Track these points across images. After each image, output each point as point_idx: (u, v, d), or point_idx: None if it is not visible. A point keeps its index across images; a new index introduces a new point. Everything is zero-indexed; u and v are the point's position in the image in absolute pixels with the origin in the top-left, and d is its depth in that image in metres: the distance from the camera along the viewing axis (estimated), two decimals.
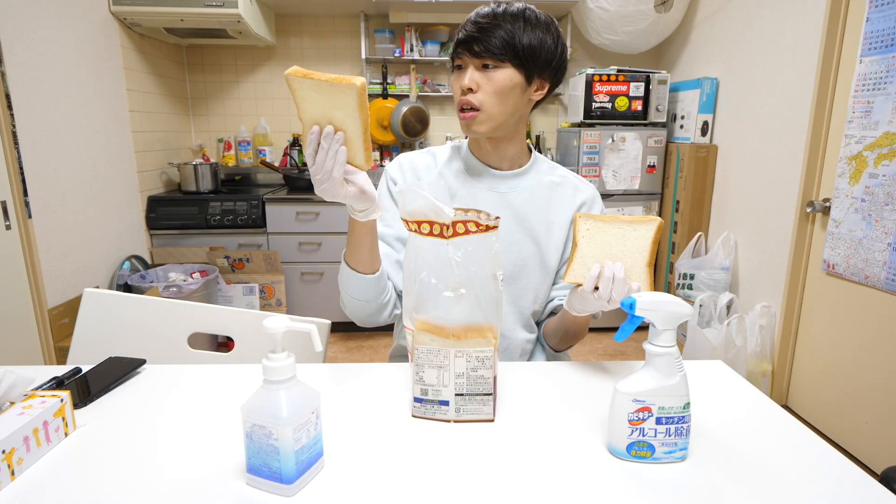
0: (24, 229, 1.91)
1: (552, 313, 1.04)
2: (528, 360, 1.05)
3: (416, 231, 0.70)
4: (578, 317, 0.87)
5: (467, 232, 0.68)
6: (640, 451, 0.64)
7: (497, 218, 0.69)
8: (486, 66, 0.89)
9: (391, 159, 3.34)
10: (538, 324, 1.05)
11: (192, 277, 2.57)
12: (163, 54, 2.96)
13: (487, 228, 0.69)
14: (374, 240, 0.86)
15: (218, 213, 2.77)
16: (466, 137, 1.03)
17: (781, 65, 2.24)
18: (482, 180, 1.00)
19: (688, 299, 2.54)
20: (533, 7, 0.92)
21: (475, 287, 0.69)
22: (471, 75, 0.90)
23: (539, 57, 0.91)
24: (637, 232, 0.76)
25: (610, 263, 0.76)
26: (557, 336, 1.00)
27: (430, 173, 1.02)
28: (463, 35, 0.90)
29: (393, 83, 3.25)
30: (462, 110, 0.92)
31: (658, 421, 0.63)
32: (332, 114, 0.70)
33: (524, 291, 1.00)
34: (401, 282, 0.96)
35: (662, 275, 3.04)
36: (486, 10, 0.91)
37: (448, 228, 0.68)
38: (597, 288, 0.77)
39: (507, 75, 0.90)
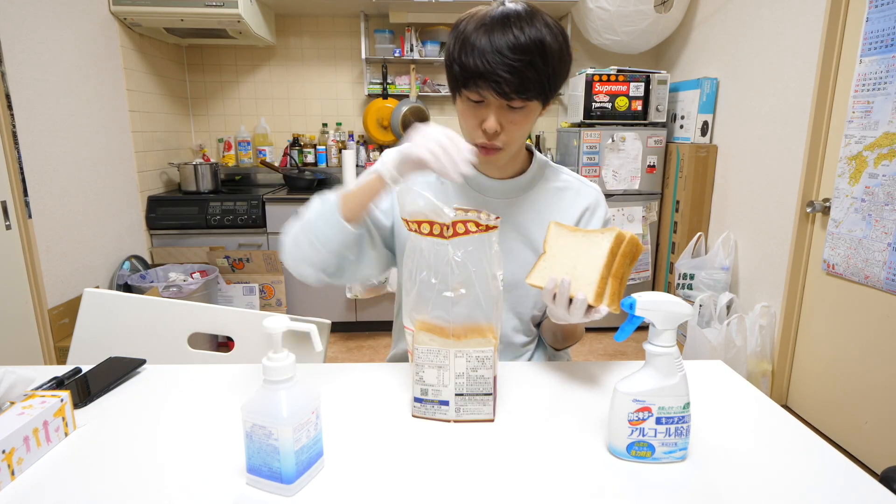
0: (24, 229, 1.91)
1: None
2: (528, 360, 1.05)
3: (416, 231, 0.70)
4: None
5: (467, 232, 0.68)
6: (640, 451, 0.64)
7: (497, 218, 0.69)
8: (512, 106, 0.82)
9: None
10: (538, 325, 1.05)
11: (192, 277, 2.57)
12: (163, 54, 2.96)
13: (487, 228, 0.69)
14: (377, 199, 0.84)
15: (218, 213, 2.77)
16: None
17: (781, 65, 2.24)
18: (481, 190, 0.96)
19: (688, 299, 2.54)
20: (545, 18, 0.82)
21: (475, 287, 0.69)
22: (497, 117, 0.82)
23: (559, 81, 0.85)
24: (595, 245, 0.76)
25: (565, 280, 0.74)
26: (552, 336, 1.00)
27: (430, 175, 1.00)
28: (482, 67, 0.78)
29: (393, 83, 3.25)
30: (482, 146, 0.85)
31: (658, 421, 0.63)
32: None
33: (524, 298, 0.98)
34: (375, 264, 0.93)
35: (662, 275, 3.04)
36: (508, 40, 0.77)
37: (448, 228, 0.68)
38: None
39: (533, 110, 0.84)
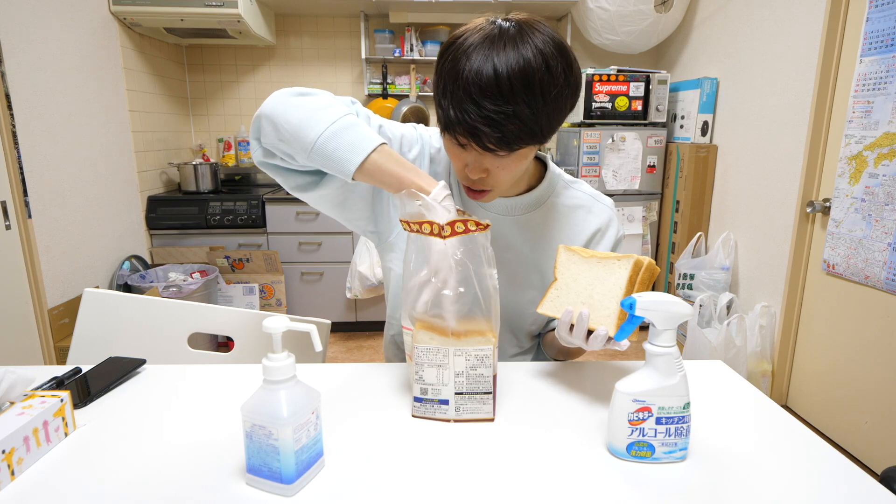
0: (24, 229, 1.91)
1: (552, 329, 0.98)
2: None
3: (417, 231, 0.70)
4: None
5: (466, 231, 0.68)
6: (640, 451, 0.64)
7: (488, 224, 0.70)
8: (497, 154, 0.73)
9: None
10: (539, 335, 1.02)
11: (192, 277, 2.57)
12: (163, 54, 2.96)
13: (483, 227, 0.69)
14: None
15: (218, 213, 2.77)
16: None
17: (781, 65, 2.24)
18: (484, 207, 0.89)
19: (688, 299, 2.54)
20: (540, 40, 0.68)
21: (474, 285, 0.69)
22: (481, 164, 0.74)
23: (558, 125, 0.74)
24: (611, 272, 0.72)
25: (584, 314, 0.70)
26: (555, 352, 0.97)
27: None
28: (460, 118, 0.68)
29: (393, 83, 3.25)
30: (467, 187, 0.79)
31: (658, 421, 0.63)
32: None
33: (523, 317, 0.94)
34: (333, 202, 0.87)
35: (662, 275, 3.04)
36: (489, 86, 0.66)
37: (445, 228, 0.68)
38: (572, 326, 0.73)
39: (525, 154, 0.74)
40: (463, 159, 0.75)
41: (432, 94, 0.79)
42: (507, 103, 0.66)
